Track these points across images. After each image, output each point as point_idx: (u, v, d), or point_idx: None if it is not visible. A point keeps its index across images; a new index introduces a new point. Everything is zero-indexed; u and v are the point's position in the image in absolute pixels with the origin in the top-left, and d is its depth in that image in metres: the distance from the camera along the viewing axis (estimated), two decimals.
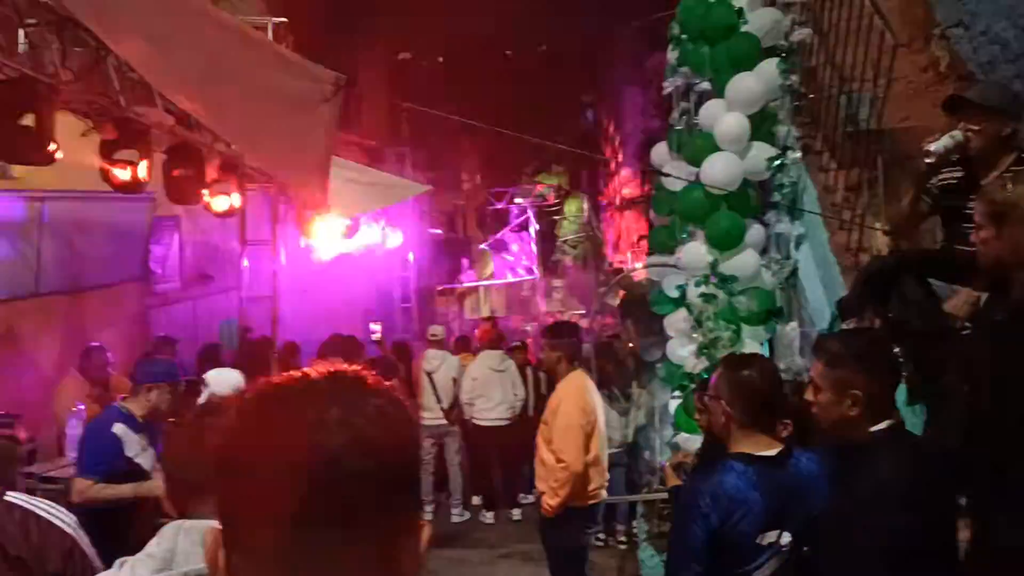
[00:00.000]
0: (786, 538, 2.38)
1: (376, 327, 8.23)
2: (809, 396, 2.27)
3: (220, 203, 6.96)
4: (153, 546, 1.18)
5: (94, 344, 6.13)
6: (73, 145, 5.54)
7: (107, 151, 5.56)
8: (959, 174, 3.17)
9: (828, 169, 4.93)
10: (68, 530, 1.98)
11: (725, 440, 2.52)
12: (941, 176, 3.22)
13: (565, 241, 23.58)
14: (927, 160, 3.04)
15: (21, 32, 4.81)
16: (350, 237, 10.73)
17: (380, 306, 13.79)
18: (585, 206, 21.96)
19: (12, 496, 1.97)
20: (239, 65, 3.09)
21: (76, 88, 5.01)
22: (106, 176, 5.56)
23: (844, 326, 3.38)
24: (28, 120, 4.56)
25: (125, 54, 4.13)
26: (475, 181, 22.52)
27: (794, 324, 4.83)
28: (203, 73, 3.27)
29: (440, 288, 19.41)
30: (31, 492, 4.20)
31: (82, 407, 5.23)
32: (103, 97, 5.34)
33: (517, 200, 21.93)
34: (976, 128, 2.99)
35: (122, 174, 5.51)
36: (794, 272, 4.92)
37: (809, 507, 2.33)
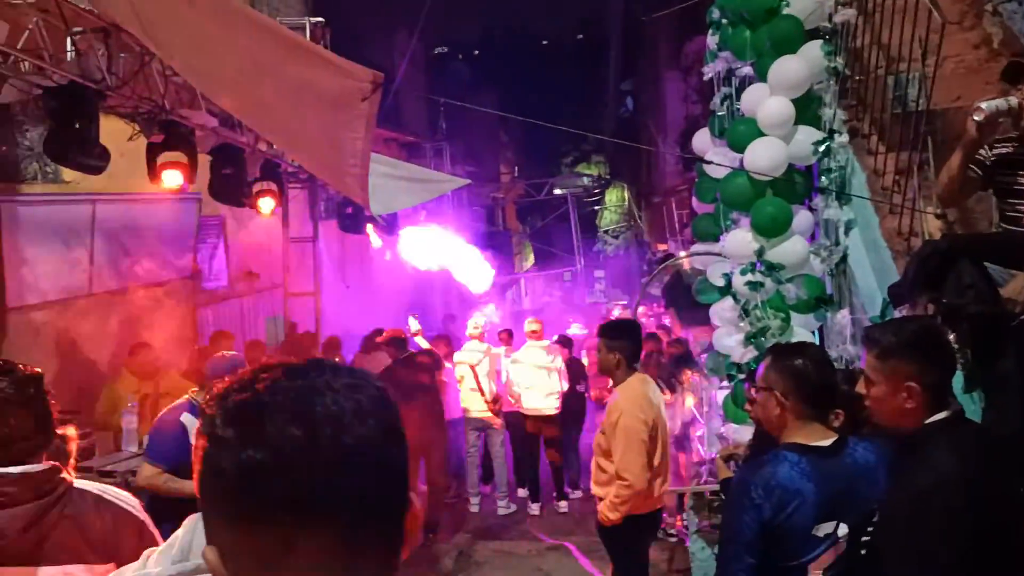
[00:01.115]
0: (843, 529, 2.33)
1: (415, 320, 8.23)
2: (861, 389, 2.20)
3: (264, 203, 7.08)
4: (175, 536, 1.21)
5: (142, 341, 6.26)
6: (121, 148, 5.67)
7: (154, 153, 5.68)
8: (1012, 149, 3.05)
9: (877, 152, 4.80)
10: (136, 513, 2.02)
11: (776, 432, 2.47)
12: (994, 149, 3.11)
13: (607, 231, 23.45)
14: (975, 118, 2.91)
15: (69, 40, 4.94)
16: (390, 233, 10.82)
17: (420, 299, 13.88)
18: (626, 195, 21.79)
19: (81, 483, 2.01)
20: (278, 65, 3.12)
21: (122, 93, 5.13)
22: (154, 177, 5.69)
23: (896, 313, 3.28)
24: (79, 125, 4.70)
25: (168, 58, 4.20)
26: (513, 173, 22.49)
27: (845, 312, 4.72)
28: (243, 74, 3.31)
29: None
30: None
31: (135, 403, 5.37)
32: (148, 101, 5.47)
33: (557, 191, 21.86)
34: None
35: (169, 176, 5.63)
36: (844, 258, 4.81)
37: (866, 498, 2.27)
